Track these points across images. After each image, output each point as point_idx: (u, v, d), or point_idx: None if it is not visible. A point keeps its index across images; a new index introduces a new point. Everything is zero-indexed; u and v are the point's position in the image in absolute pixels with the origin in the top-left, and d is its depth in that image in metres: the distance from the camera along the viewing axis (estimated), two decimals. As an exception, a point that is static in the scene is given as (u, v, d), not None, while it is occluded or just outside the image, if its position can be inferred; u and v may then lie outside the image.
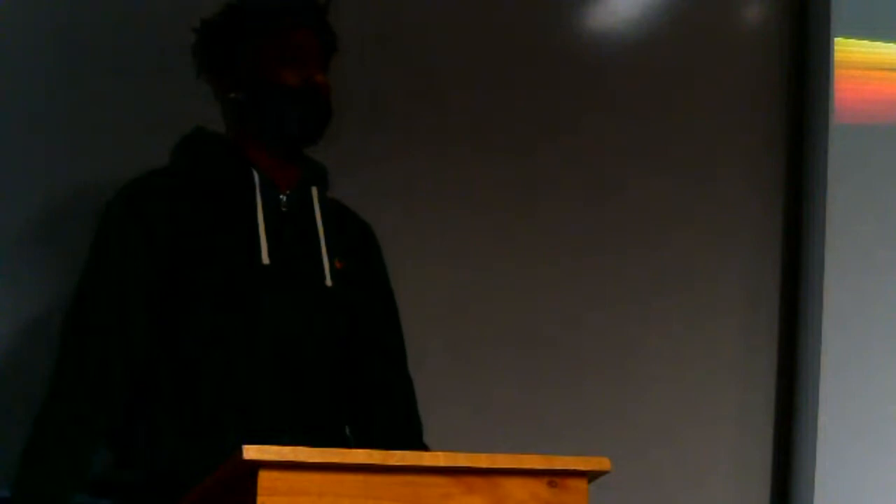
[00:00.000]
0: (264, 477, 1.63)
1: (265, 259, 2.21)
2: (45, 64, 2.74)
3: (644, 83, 3.19)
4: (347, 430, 2.34)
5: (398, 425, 2.36)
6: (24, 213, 2.69)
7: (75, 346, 2.16)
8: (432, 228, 2.98)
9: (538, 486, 1.75)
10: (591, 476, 1.80)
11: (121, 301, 2.18)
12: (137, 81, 2.73)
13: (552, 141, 3.10)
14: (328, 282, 2.26)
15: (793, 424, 3.16)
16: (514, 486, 1.74)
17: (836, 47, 3.25)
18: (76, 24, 2.77)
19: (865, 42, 3.31)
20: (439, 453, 1.72)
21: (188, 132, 2.33)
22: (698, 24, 3.26)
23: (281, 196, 2.28)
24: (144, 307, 2.19)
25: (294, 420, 2.18)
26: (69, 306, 2.20)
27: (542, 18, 3.15)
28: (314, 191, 2.32)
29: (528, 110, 3.09)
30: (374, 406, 2.36)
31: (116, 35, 2.77)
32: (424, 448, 2.30)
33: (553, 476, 1.76)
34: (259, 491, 1.62)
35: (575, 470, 1.78)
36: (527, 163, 3.08)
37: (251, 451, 1.61)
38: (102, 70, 2.75)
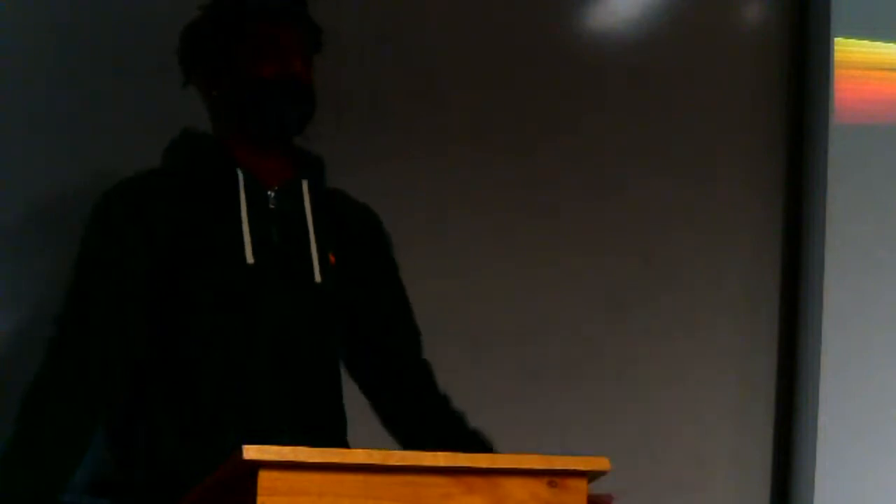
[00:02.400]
0: (264, 477, 1.63)
1: (249, 258, 2.21)
2: (45, 64, 2.74)
3: (644, 83, 3.19)
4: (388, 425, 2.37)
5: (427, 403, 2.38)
6: (24, 213, 2.70)
7: (73, 343, 2.15)
8: (432, 228, 2.98)
9: (538, 486, 1.75)
10: (591, 476, 1.80)
11: (120, 301, 2.18)
12: (137, 81, 2.73)
13: (552, 141, 3.11)
14: (317, 278, 2.26)
15: (793, 424, 3.16)
16: (514, 486, 1.74)
17: (836, 47, 3.26)
18: (76, 24, 2.77)
19: (865, 42, 3.31)
20: (439, 453, 1.72)
21: (177, 134, 2.33)
22: (698, 24, 3.26)
23: (269, 193, 2.28)
24: (143, 307, 2.19)
25: (294, 420, 2.18)
26: (64, 303, 2.19)
27: (542, 18, 3.15)
28: (304, 185, 2.31)
29: (528, 110, 3.09)
30: (398, 390, 2.39)
31: (116, 35, 2.77)
32: (456, 416, 2.34)
33: (553, 476, 1.76)
34: (259, 491, 1.62)
35: (575, 470, 1.78)
36: (527, 163, 3.08)
37: (251, 451, 1.61)
38: (102, 70, 2.75)
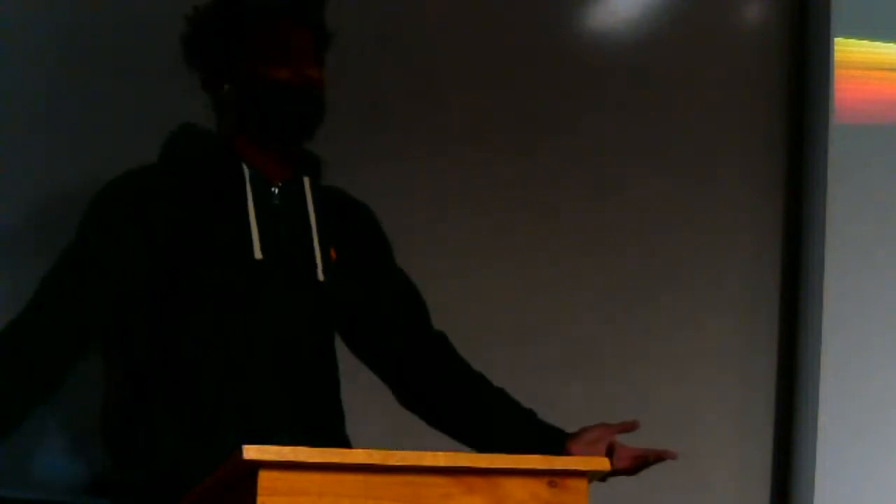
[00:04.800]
0: (264, 477, 1.63)
1: (257, 254, 2.21)
2: (45, 64, 2.74)
3: (644, 83, 3.19)
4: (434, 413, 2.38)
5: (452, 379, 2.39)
6: (24, 214, 2.69)
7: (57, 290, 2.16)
8: (432, 228, 2.98)
9: (538, 486, 1.75)
10: (591, 476, 1.80)
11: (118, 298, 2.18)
12: (137, 81, 2.73)
13: (552, 141, 3.11)
14: (320, 276, 2.26)
15: (793, 424, 3.16)
16: (514, 486, 1.74)
17: (836, 47, 3.26)
18: (76, 24, 2.77)
19: (865, 42, 3.31)
20: (439, 453, 1.72)
21: (175, 129, 2.32)
22: (698, 24, 3.26)
23: (273, 189, 2.28)
24: (142, 307, 2.20)
25: (294, 420, 2.18)
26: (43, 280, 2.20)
27: (542, 18, 3.15)
28: (307, 181, 2.31)
29: (528, 110, 3.09)
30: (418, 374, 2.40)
31: (116, 35, 2.77)
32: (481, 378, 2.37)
33: (553, 476, 1.76)
34: (259, 491, 1.62)
35: (575, 470, 1.78)
36: (527, 163, 3.08)
37: (251, 451, 1.61)
38: (102, 70, 2.75)
